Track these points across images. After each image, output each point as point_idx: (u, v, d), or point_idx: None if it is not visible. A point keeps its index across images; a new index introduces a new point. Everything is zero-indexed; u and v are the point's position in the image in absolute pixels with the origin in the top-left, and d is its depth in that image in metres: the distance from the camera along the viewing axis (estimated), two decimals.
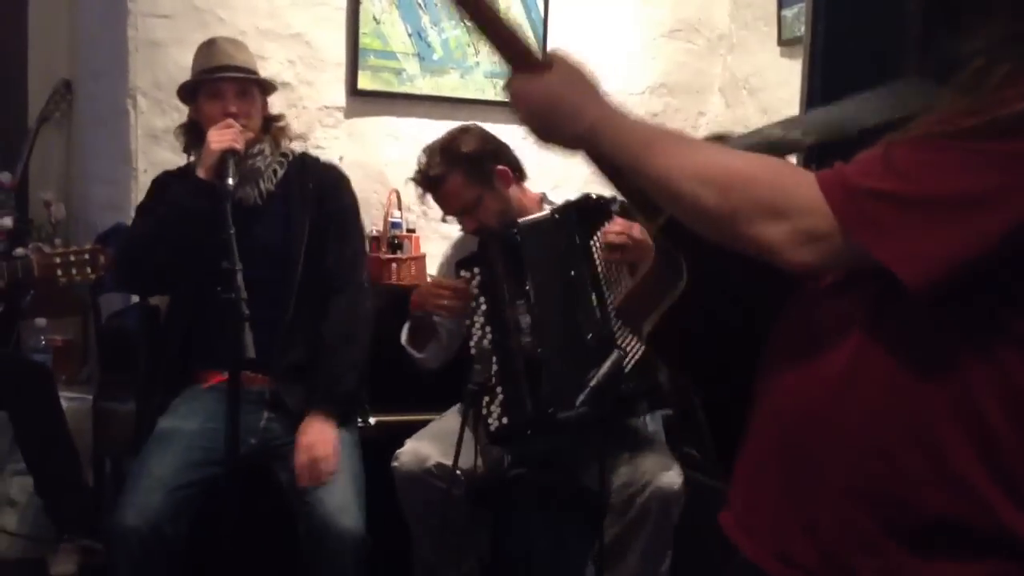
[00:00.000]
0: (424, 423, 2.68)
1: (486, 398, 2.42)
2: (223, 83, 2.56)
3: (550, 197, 2.77)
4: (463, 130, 2.68)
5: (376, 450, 2.58)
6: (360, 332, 2.59)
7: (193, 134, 2.61)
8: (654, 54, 3.98)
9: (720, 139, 1.34)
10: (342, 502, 2.35)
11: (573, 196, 2.63)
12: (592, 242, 2.39)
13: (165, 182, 2.67)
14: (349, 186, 2.75)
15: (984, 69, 0.98)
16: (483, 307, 2.50)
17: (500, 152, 2.65)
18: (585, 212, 2.44)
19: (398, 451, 2.51)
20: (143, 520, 2.23)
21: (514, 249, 2.49)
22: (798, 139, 1.15)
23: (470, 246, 2.66)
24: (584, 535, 2.46)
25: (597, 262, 2.38)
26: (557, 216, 2.50)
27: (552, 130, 1.20)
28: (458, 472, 2.36)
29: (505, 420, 2.41)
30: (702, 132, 4.10)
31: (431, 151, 2.62)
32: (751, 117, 3.98)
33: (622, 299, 1.34)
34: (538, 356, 2.40)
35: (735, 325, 1.24)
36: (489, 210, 2.60)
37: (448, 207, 2.65)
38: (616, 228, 2.31)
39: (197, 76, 2.62)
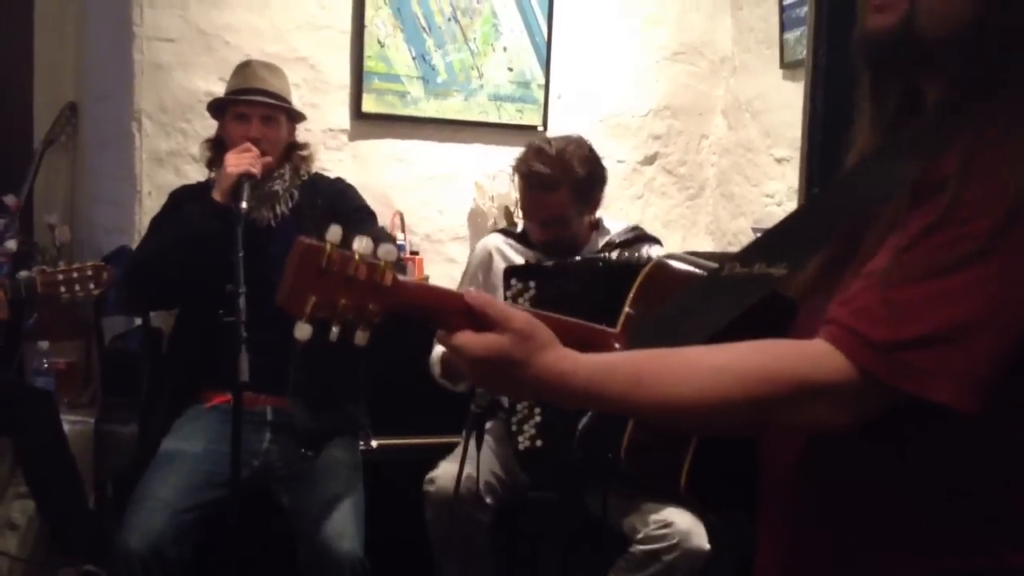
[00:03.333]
0: (426, 446, 2.66)
1: (517, 417, 2.37)
2: (250, 107, 2.58)
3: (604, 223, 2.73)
4: (581, 144, 2.59)
5: (377, 473, 2.58)
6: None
7: (217, 150, 2.63)
8: (657, 77, 4.00)
9: (671, 271, 1.31)
10: (341, 525, 2.35)
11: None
12: None
13: (181, 197, 2.68)
14: (356, 192, 2.76)
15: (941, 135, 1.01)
16: None
17: (603, 179, 2.62)
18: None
19: (431, 474, 2.48)
20: (146, 543, 2.22)
21: (596, 277, 2.30)
22: (768, 273, 1.08)
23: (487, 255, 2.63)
24: (591, 564, 2.45)
25: None
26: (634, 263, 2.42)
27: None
28: (488, 501, 2.35)
29: (540, 443, 2.36)
30: (705, 154, 4.11)
31: (553, 151, 2.52)
32: (753, 139, 3.99)
33: (626, 450, 1.27)
34: None
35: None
36: (571, 232, 2.56)
37: (540, 212, 2.55)
38: None
39: (227, 96, 2.64)
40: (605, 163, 3.86)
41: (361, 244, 1.06)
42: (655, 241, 2.66)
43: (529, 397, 1.10)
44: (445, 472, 2.47)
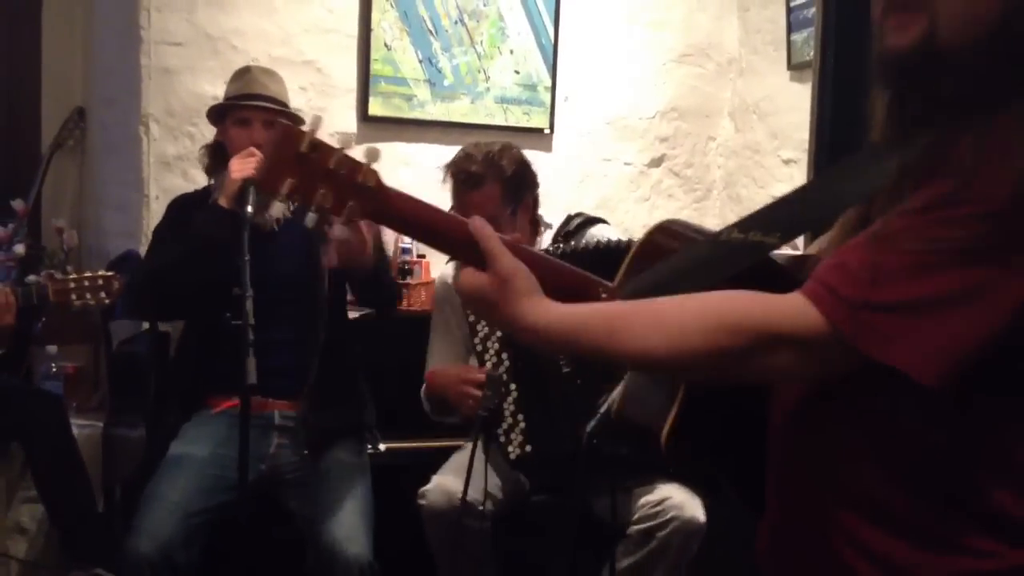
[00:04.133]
0: (435, 449, 2.66)
1: (503, 425, 2.40)
2: (252, 112, 2.58)
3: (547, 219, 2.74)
4: (507, 147, 2.62)
5: (386, 477, 2.58)
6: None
7: (217, 156, 2.64)
8: (664, 79, 4.00)
9: (671, 230, 1.32)
10: (350, 529, 2.35)
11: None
12: None
13: (181, 205, 2.69)
14: None
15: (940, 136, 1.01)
16: (498, 333, 2.46)
17: (534, 183, 2.63)
18: (607, 255, 2.39)
19: (423, 489, 2.48)
20: (155, 547, 2.23)
21: None
22: (761, 241, 1.11)
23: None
24: (596, 563, 2.44)
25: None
26: (592, 249, 2.43)
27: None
28: (481, 508, 2.36)
29: (529, 448, 2.39)
30: (712, 156, 4.11)
31: (476, 151, 2.56)
32: (761, 141, 3.98)
33: (618, 405, 1.30)
34: (561, 384, 2.36)
35: (744, 408, 1.21)
36: (506, 233, 2.57)
37: (469, 210, 2.55)
38: None
39: (227, 101, 2.64)
40: (612, 165, 3.93)
41: (343, 139, 1.11)
42: (599, 221, 2.66)
43: (516, 336, 1.14)
44: (437, 486, 2.47)
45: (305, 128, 1.10)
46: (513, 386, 2.41)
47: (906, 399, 1.00)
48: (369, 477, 2.54)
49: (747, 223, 1.14)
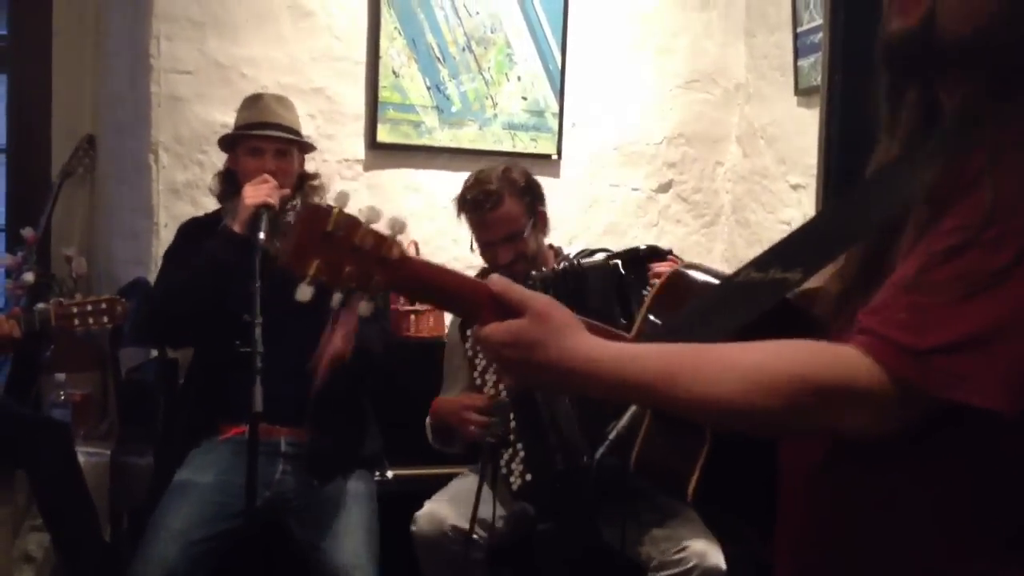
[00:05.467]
0: (443, 476, 2.67)
1: (505, 454, 2.41)
2: (263, 141, 2.62)
3: (565, 251, 2.77)
4: (512, 163, 2.69)
5: (395, 504, 2.59)
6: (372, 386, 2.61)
7: (228, 183, 2.67)
8: (672, 104, 4.03)
9: (688, 276, 1.32)
10: (355, 556, 2.38)
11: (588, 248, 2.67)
12: (643, 291, 2.35)
13: (192, 230, 2.72)
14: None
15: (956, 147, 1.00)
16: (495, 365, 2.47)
17: (543, 195, 2.69)
18: (637, 261, 2.43)
19: (416, 514, 2.49)
20: (160, 574, 2.26)
21: (569, 294, 2.39)
22: (784, 278, 1.08)
23: None
24: None
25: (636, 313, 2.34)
26: (611, 264, 2.45)
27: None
28: (475, 536, 2.36)
29: (529, 477, 2.39)
30: (720, 181, 4.14)
31: (486, 173, 2.61)
32: (769, 166, 4.01)
33: (637, 455, 1.27)
34: (562, 410, 2.36)
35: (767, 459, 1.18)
36: (527, 247, 2.59)
37: (495, 230, 2.59)
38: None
39: (239, 130, 2.67)
40: (619, 191, 3.96)
41: (369, 214, 1.09)
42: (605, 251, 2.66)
43: (555, 383, 1.11)
44: (428, 512, 2.48)
45: (332, 204, 1.10)
46: (511, 415, 2.42)
47: (976, 438, 0.99)
48: (375, 504, 2.55)
49: (765, 260, 1.12)
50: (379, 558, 2.41)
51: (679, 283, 1.31)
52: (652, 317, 1.27)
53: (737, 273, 1.16)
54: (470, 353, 2.50)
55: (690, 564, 2.31)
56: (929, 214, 1.01)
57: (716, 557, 2.32)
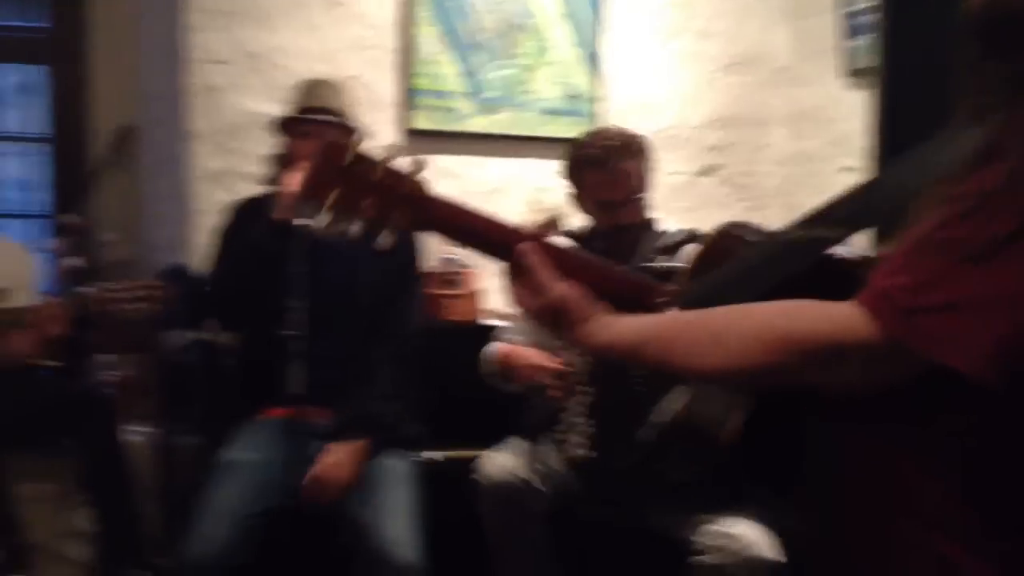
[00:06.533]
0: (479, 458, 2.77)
1: (565, 424, 2.49)
2: (313, 125, 2.74)
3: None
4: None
5: (431, 486, 2.69)
6: (409, 368, 2.72)
7: (279, 167, 2.79)
8: (712, 87, 4.14)
9: (738, 235, 1.40)
10: (398, 534, 2.46)
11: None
12: None
13: (243, 209, 2.86)
14: None
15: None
16: None
17: (651, 162, 2.72)
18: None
19: (478, 460, 2.58)
20: (210, 551, 2.37)
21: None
22: (824, 236, 1.16)
23: None
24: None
25: None
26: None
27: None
28: (541, 489, 2.46)
29: (590, 453, 2.47)
30: (765, 164, 4.21)
31: (601, 131, 2.65)
32: (816, 150, 4.08)
33: (676, 419, 1.38)
34: (637, 400, 2.37)
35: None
36: (636, 213, 2.65)
37: (619, 187, 2.62)
38: None
39: (290, 115, 2.81)
40: (661, 175, 4.03)
41: (390, 152, 1.18)
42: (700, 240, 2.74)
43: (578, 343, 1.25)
44: (492, 460, 2.57)
45: (350, 141, 1.19)
46: (590, 389, 2.47)
47: (974, 405, 1.04)
48: (416, 484, 2.65)
49: (811, 219, 1.19)
50: (421, 536, 2.49)
51: (722, 241, 1.40)
52: (698, 272, 1.38)
53: (782, 230, 1.25)
54: None
55: (740, 553, 2.29)
56: (960, 177, 1.05)
57: (765, 548, 2.30)
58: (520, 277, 1.23)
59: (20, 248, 3.39)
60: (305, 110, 2.79)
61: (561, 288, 1.22)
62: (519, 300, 1.24)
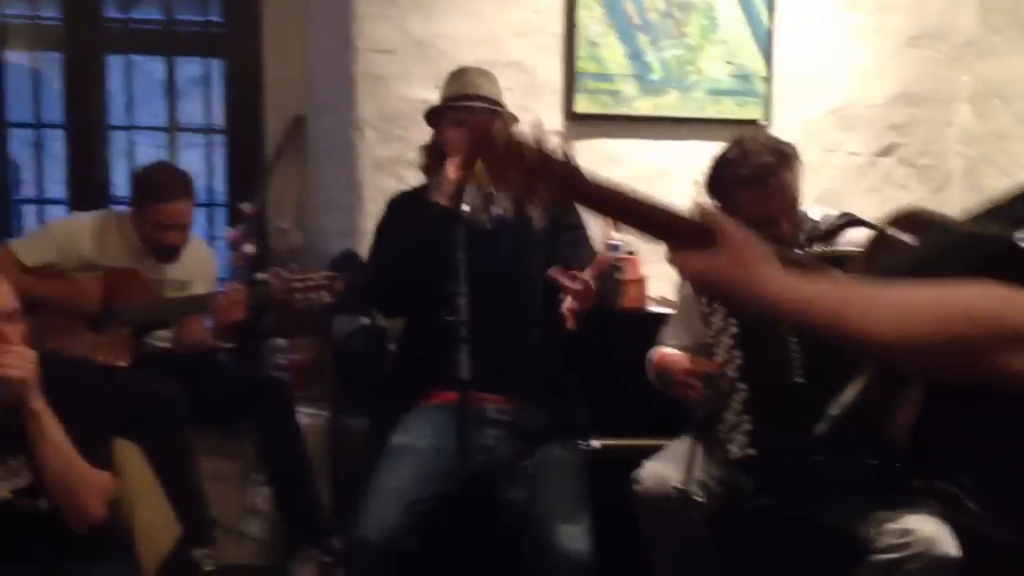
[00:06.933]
0: (647, 447, 2.76)
1: (725, 424, 2.48)
2: (467, 113, 2.78)
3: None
4: (758, 132, 2.73)
5: (600, 474, 2.70)
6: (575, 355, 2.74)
7: (433, 156, 2.86)
8: (893, 63, 4.00)
9: (916, 219, 1.36)
10: (567, 523, 2.49)
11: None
12: None
13: (399, 203, 2.94)
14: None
15: None
16: (733, 330, 2.50)
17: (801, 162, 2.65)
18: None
19: (637, 472, 2.58)
20: (380, 533, 2.44)
21: None
22: (1009, 233, 1.13)
23: None
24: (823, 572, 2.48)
25: None
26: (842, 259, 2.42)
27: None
28: (697, 498, 2.45)
29: (752, 451, 2.45)
30: (950, 144, 4.03)
31: (748, 143, 2.58)
32: (1006, 128, 3.89)
33: (847, 412, 1.34)
34: (793, 391, 2.37)
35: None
36: (791, 226, 2.58)
37: (775, 203, 2.55)
38: None
39: (444, 103, 2.87)
40: (835, 156, 3.93)
41: (537, 131, 1.21)
42: (862, 224, 2.65)
43: (746, 308, 1.22)
44: (650, 471, 2.55)
45: (502, 124, 1.23)
46: (743, 386, 2.47)
47: None
48: (584, 473, 2.66)
49: (995, 211, 1.18)
50: (589, 523, 2.51)
51: (903, 224, 1.37)
52: (873, 257, 1.33)
53: (965, 220, 1.23)
54: (706, 310, 2.55)
55: (916, 549, 2.25)
56: None
57: (947, 544, 2.25)
58: (674, 233, 1.22)
59: (199, 238, 3.57)
60: (457, 98, 2.83)
61: (740, 230, 1.20)
62: (686, 259, 1.22)
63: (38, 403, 2.08)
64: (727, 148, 2.63)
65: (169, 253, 3.31)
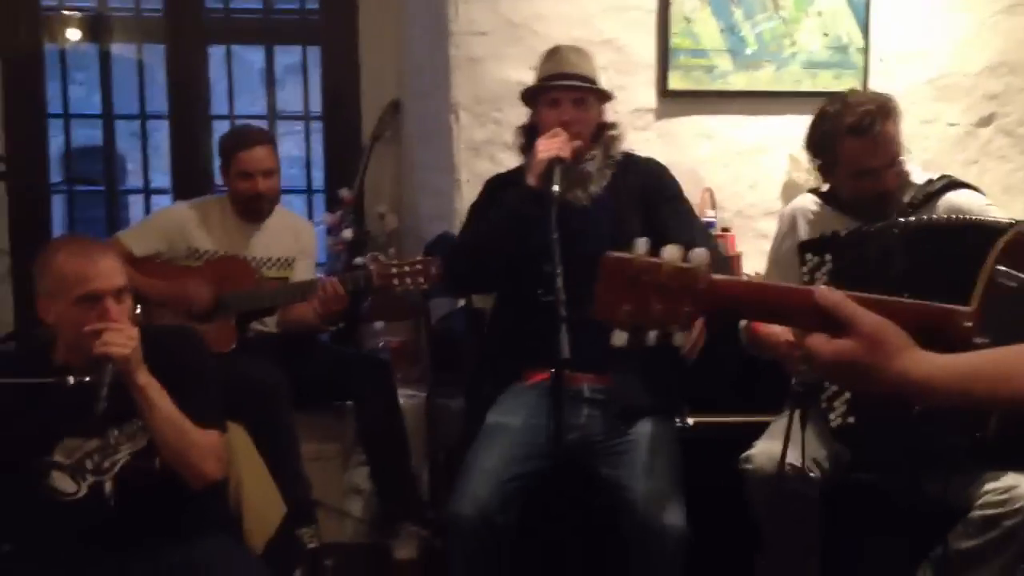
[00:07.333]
0: (741, 424, 2.78)
1: (826, 394, 2.48)
2: (561, 92, 2.81)
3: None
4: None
5: (693, 450, 2.73)
6: None
7: (530, 136, 2.88)
8: (993, 32, 3.90)
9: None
10: (663, 499, 2.51)
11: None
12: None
13: (496, 184, 2.98)
14: (672, 177, 2.94)
15: None
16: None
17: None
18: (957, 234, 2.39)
19: (748, 453, 2.59)
20: (476, 510, 2.50)
21: (894, 244, 2.42)
22: None
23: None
24: (920, 543, 2.47)
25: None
26: (942, 227, 2.46)
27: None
28: (812, 474, 2.45)
29: (852, 419, 2.46)
30: None
31: (852, 96, 2.61)
32: None
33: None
34: None
35: None
36: (898, 176, 2.58)
37: (882, 153, 2.55)
38: None
39: (538, 83, 2.89)
40: (933, 127, 3.87)
41: (669, 252, 1.21)
42: (963, 186, 2.62)
43: (888, 396, 1.19)
44: (762, 451, 2.55)
45: (630, 254, 1.22)
46: None
47: None
48: (679, 450, 2.69)
49: None
50: (683, 499, 2.54)
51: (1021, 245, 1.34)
52: (990, 284, 1.30)
53: None
54: (806, 278, 2.55)
55: (1016, 506, 2.25)
56: None
57: None
58: (814, 323, 1.18)
59: (303, 222, 3.68)
60: (552, 77, 2.84)
61: (874, 317, 1.15)
62: (821, 347, 1.17)
63: (143, 377, 2.17)
64: (827, 104, 2.64)
65: (258, 207, 3.38)
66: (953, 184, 2.64)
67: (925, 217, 2.54)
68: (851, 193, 2.63)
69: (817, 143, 2.65)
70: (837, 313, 1.15)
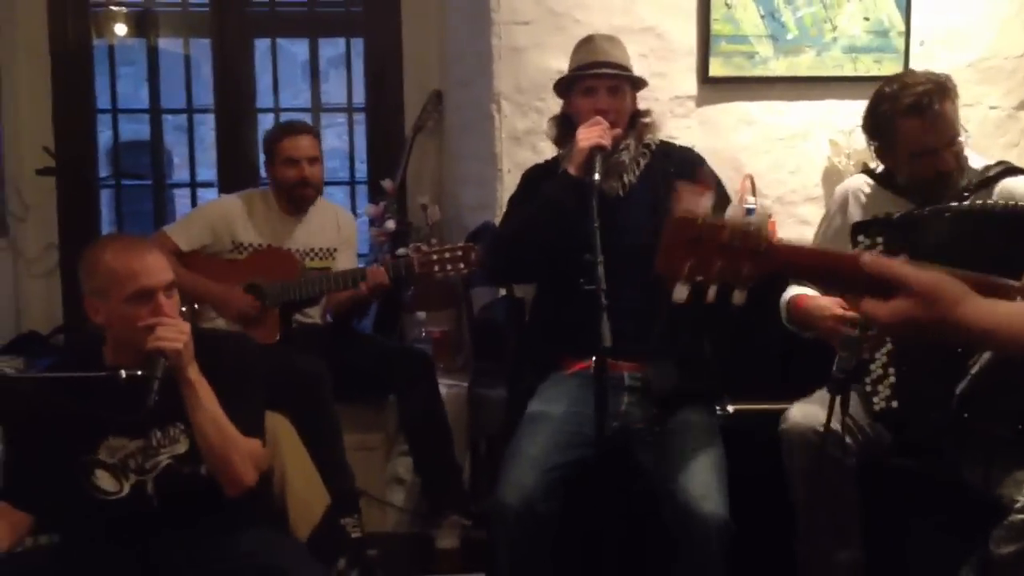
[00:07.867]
0: (782, 412, 2.78)
1: (871, 376, 2.48)
2: (596, 80, 2.83)
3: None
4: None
5: (735, 439, 2.72)
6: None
7: (564, 127, 2.91)
8: None
9: None
10: (704, 487, 2.51)
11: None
12: None
13: (533, 175, 3.00)
14: (709, 167, 2.94)
15: None
16: None
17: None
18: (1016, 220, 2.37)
19: (786, 413, 2.60)
20: (519, 498, 2.51)
21: (948, 226, 2.40)
22: None
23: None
24: (965, 538, 2.45)
25: None
26: (999, 212, 2.42)
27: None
28: (847, 439, 2.45)
29: (895, 404, 2.45)
30: None
31: (909, 76, 2.59)
32: None
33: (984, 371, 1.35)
34: (942, 348, 2.28)
35: None
36: (956, 157, 2.55)
37: (940, 132, 2.53)
38: None
39: (572, 72, 2.91)
40: (975, 110, 3.85)
41: (732, 212, 1.26)
42: (1022, 172, 2.60)
43: (950, 346, 1.22)
44: (799, 411, 2.57)
45: (695, 215, 1.28)
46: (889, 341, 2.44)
47: None
48: (720, 438, 2.69)
49: None
50: (726, 488, 2.54)
51: None
52: None
53: None
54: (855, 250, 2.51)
55: None
56: None
57: None
58: (865, 287, 1.22)
59: (344, 213, 3.74)
60: (585, 66, 2.85)
61: (927, 272, 1.18)
62: (877, 311, 1.21)
63: (193, 373, 2.20)
64: (884, 84, 2.63)
65: (303, 194, 3.44)
66: (1011, 170, 2.62)
67: (979, 202, 2.52)
68: (909, 174, 2.60)
69: (874, 125, 2.63)
70: (887, 275, 1.19)
